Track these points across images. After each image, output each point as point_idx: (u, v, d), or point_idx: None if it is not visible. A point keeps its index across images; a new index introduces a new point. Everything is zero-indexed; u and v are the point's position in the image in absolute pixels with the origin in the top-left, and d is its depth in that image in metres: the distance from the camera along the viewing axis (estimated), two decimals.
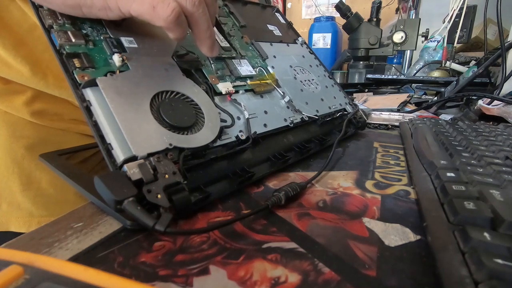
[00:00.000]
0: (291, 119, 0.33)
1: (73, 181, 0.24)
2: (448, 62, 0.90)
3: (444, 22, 0.91)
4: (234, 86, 0.30)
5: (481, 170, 0.24)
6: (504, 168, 0.24)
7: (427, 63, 1.05)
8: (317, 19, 1.51)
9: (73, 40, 0.22)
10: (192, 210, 0.21)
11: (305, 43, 0.47)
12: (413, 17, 1.17)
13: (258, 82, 0.33)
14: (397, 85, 0.91)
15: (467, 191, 0.20)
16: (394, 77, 0.93)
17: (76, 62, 0.21)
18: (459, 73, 0.86)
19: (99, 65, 0.22)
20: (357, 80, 1.05)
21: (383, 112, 0.58)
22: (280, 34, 0.44)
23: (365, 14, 1.03)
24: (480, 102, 0.56)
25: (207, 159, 0.24)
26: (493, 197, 0.19)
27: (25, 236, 0.19)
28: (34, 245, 0.18)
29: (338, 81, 0.89)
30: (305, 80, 0.40)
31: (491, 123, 0.49)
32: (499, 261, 0.13)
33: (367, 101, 0.71)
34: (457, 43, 0.93)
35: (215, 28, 0.27)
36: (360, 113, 0.45)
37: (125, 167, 0.18)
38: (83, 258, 0.17)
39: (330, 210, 0.22)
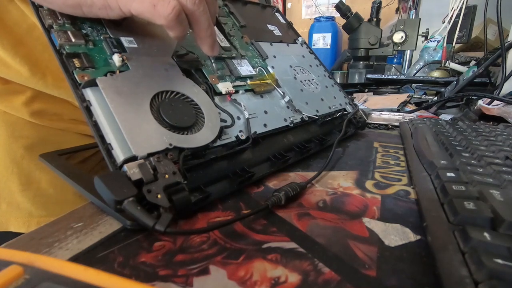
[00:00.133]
0: (291, 119, 0.33)
1: (73, 181, 0.24)
2: (447, 62, 0.90)
3: (444, 22, 0.91)
4: (234, 86, 0.30)
5: (481, 170, 0.24)
6: (504, 168, 0.24)
7: (427, 63, 1.05)
8: (317, 19, 1.51)
9: (73, 40, 0.22)
10: (192, 210, 0.21)
11: (305, 43, 0.47)
12: (413, 17, 1.17)
13: (258, 82, 0.33)
14: (397, 85, 0.91)
15: (467, 191, 0.20)
16: (394, 77, 0.93)
17: (76, 62, 0.21)
18: (459, 73, 0.86)
19: (99, 65, 0.22)
20: (357, 80, 1.05)
21: (383, 112, 0.58)
22: (280, 34, 0.44)
23: (365, 14, 1.03)
24: (480, 102, 0.56)
25: (207, 159, 0.24)
26: (493, 197, 0.19)
27: (25, 236, 0.19)
28: (34, 245, 0.18)
29: (338, 81, 0.89)
30: (305, 80, 0.40)
31: (491, 123, 0.49)
32: (499, 261, 0.13)
33: (367, 101, 0.71)
34: (457, 43, 0.93)
35: (215, 28, 0.27)
36: (360, 113, 0.45)
37: (125, 167, 0.18)
38: (83, 258, 0.17)
39: (330, 210, 0.22)
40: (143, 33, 0.26)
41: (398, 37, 0.97)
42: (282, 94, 0.34)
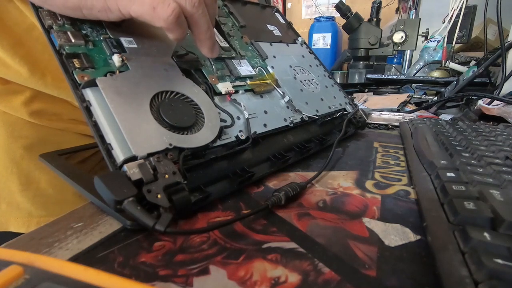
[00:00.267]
0: (291, 119, 0.33)
1: (73, 181, 0.24)
2: (447, 62, 0.90)
3: (444, 22, 0.91)
4: (233, 86, 0.30)
5: (481, 170, 0.24)
6: (504, 168, 0.24)
7: (427, 63, 1.05)
8: (317, 19, 1.51)
9: (73, 40, 0.22)
10: (192, 210, 0.21)
11: (305, 43, 0.47)
12: (413, 17, 1.17)
13: (258, 82, 0.33)
14: (397, 85, 0.91)
15: (467, 191, 0.20)
16: (394, 77, 0.93)
17: (76, 63, 0.21)
18: (459, 73, 0.86)
19: (99, 66, 0.22)
20: (357, 80, 1.05)
21: (383, 112, 0.58)
22: (280, 34, 0.44)
23: (365, 14, 1.03)
24: (480, 102, 0.56)
25: (207, 159, 0.24)
26: (493, 197, 0.19)
27: (25, 236, 0.19)
28: (34, 245, 0.18)
29: (338, 81, 0.89)
30: (305, 80, 0.40)
31: (491, 123, 0.49)
32: (499, 261, 0.13)
33: (367, 101, 0.71)
34: (457, 43, 0.93)
35: (214, 29, 0.27)
36: (360, 113, 0.45)
37: (125, 167, 0.18)
38: (83, 258, 0.17)
39: (330, 210, 0.22)
40: (143, 33, 0.26)
41: (398, 37, 0.97)
42: (282, 94, 0.34)
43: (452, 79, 0.79)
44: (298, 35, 0.48)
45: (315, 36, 1.47)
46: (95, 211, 0.22)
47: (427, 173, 0.25)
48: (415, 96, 0.78)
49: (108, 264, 0.16)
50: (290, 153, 0.31)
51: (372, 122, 0.52)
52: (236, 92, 0.30)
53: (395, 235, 0.19)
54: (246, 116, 0.28)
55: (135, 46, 0.25)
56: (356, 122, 0.43)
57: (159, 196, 0.18)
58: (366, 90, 0.88)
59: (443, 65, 0.94)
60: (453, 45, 0.90)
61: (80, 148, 0.37)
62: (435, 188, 0.22)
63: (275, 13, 0.48)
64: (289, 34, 0.47)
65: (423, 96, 0.80)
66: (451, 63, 0.90)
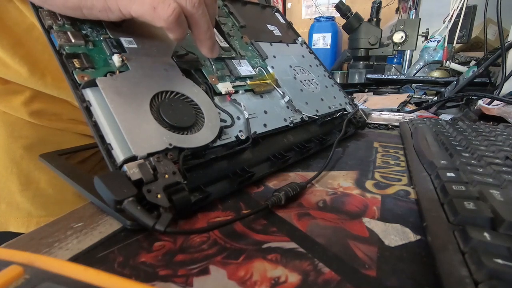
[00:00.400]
0: (291, 119, 0.33)
1: (73, 181, 0.24)
2: (448, 63, 0.90)
3: (444, 22, 0.91)
4: (233, 86, 0.30)
5: (481, 170, 0.24)
6: (504, 168, 0.24)
7: (427, 63, 1.05)
8: (317, 19, 1.51)
9: (73, 40, 0.22)
10: (192, 210, 0.21)
11: (305, 43, 0.47)
12: (413, 17, 1.17)
13: (258, 82, 0.33)
14: (397, 85, 0.91)
15: (467, 191, 0.20)
16: (394, 77, 0.93)
17: (76, 63, 0.21)
18: (459, 73, 0.86)
19: (99, 66, 0.22)
20: (357, 80, 1.05)
21: (383, 112, 0.58)
22: (280, 34, 0.44)
23: (365, 14, 1.03)
24: (480, 102, 0.56)
25: (207, 159, 0.24)
26: (493, 197, 0.19)
27: (25, 236, 0.19)
28: (34, 245, 0.18)
29: (338, 81, 0.89)
30: (305, 80, 0.40)
31: (491, 123, 0.49)
32: (499, 261, 0.13)
33: (367, 101, 0.71)
34: (457, 43, 0.93)
35: (214, 29, 0.27)
36: (360, 113, 0.45)
37: (125, 167, 0.18)
38: (83, 258, 0.17)
39: (330, 210, 0.22)
40: (143, 33, 0.26)
41: (398, 37, 0.97)
42: (282, 94, 0.34)
43: (452, 79, 0.79)
44: (298, 35, 0.48)
45: (315, 36, 1.47)
46: (95, 211, 0.22)
47: (427, 173, 0.25)
48: (415, 96, 0.78)
49: (108, 264, 0.16)
50: (290, 153, 0.31)
51: (372, 122, 0.52)
52: (236, 92, 0.30)
53: (395, 235, 0.19)
54: (246, 116, 0.28)
55: (135, 46, 0.25)
56: (356, 122, 0.43)
57: (159, 196, 0.18)
58: (366, 90, 0.88)
59: (443, 65, 0.94)
60: (454, 45, 0.90)
61: (80, 148, 0.37)
62: (435, 188, 0.22)
63: (275, 13, 0.48)
64: (289, 34, 0.47)
65: (423, 96, 0.80)
66: (452, 63, 0.90)
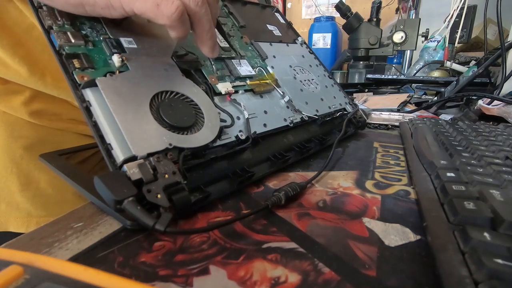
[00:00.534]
0: (291, 119, 0.33)
1: (73, 181, 0.24)
2: (450, 63, 0.90)
3: (446, 22, 0.91)
4: (233, 86, 0.30)
5: (481, 170, 0.24)
6: (504, 168, 0.24)
7: (427, 63, 1.05)
8: (317, 19, 1.51)
9: (73, 40, 0.22)
10: (192, 210, 0.21)
11: (304, 43, 0.47)
12: (413, 17, 1.17)
13: (258, 82, 0.33)
14: (397, 85, 0.91)
15: (467, 191, 0.20)
16: (394, 77, 0.93)
17: (76, 63, 0.21)
18: (459, 73, 0.86)
19: (99, 66, 0.22)
20: (357, 80, 1.05)
21: (383, 112, 0.58)
22: (280, 34, 0.44)
23: (365, 14, 1.03)
24: (480, 102, 0.56)
25: (207, 159, 0.24)
26: (493, 197, 0.19)
27: (25, 236, 0.19)
28: (34, 245, 0.18)
29: (338, 81, 0.89)
30: (305, 80, 0.40)
31: (491, 123, 0.49)
32: (499, 261, 0.13)
33: (367, 101, 0.71)
34: (458, 43, 0.93)
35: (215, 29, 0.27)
36: (360, 112, 0.45)
37: (125, 167, 0.18)
38: (83, 258, 0.17)
39: (330, 210, 0.22)
40: (143, 33, 0.26)
41: (398, 37, 0.97)
42: (282, 94, 0.34)
43: (452, 79, 0.79)
44: (298, 35, 0.48)
45: (315, 36, 1.47)
46: (95, 211, 0.22)
47: (427, 173, 0.25)
48: (415, 96, 0.78)
49: (108, 264, 0.16)
50: (290, 153, 0.31)
51: (372, 122, 0.52)
52: (236, 92, 0.30)
53: (395, 235, 0.19)
54: (246, 116, 0.28)
55: (135, 46, 0.25)
56: (356, 122, 0.43)
57: (159, 196, 0.18)
58: (366, 90, 0.88)
59: (444, 65, 0.94)
60: (455, 45, 0.90)
61: (80, 148, 0.37)
62: (435, 188, 0.22)
63: (275, 13, 0.48)
64: (289, 34, 0.47)
65: (423, 96, 0.80)
66: (453, 63, 0.89)
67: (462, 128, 0.39)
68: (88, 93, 0.21)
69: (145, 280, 0.15)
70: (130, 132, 0.20)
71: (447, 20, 0.90)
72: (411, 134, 0.39)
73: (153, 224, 0.16)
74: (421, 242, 0.18)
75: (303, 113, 0.35)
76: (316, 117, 0.36)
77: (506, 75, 0.58)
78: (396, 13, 1.31)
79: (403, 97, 0.68)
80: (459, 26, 0.87)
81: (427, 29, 1.07)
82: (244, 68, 0.33)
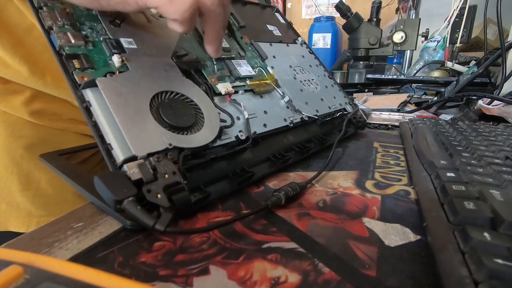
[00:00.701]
0: (291, 119, 0.33)
1: (73, 181, 0.24)
2: (450, 63, 0.90)
3: (446, 21, 0.91)
4: (233, 87, 0.30)
5: (481, 170, 0.24)
6: (504, 168, 0.24)
7: (427, 63, 1.05)
8: (317, 19, 1.51)
9: (73, 41, 0.22)
10: (192, 210, 0.21)
11: (304, 43, 0.47)
12: (413, 17, 1.17)
13: (258, 82, 0.33)
14: (397, 85, 0.91)
15: (467, 191, 0.20)
16: (394, 77, 0.93)
17: (76, 63, 0.21)
18: (459, 73, 0.86)
19: (99, 66, 0.22)
20: (357, 80, 1.05)
21: (383, 112, 0.58)
22: (280, 34, 0.44)
23: (365, 14, 1.03)
24: (480, 102, 0.56)
25: (207, 159, 0.24)
26: (493, 197, 0.19)
27: (25, 236, 0.19)
28: (34, 245, 0.18)
29: (338, 81, 0.89)
30: (305, 80, 0.40)
31: (491, 123, 0.49)
32: (499, 261, 0.13)
33: (367, 101, 0.71)
34: (459, 42, 0.93)
35: None
36: (360, 113, 0.45)
37: (125, 167, 0.18)
38: (83, 258, 0.17)
39: (330, 210, 0.22)
40: (143, 34, 0.26)
41: (398, 37, 0.97)
42: (282, 94, 0.34)
43: (452, 79, 0.79)
44: (298, 35, 0.48)
45: (315, 36, 1.47)
46: (95, 211, 0.22)
47: (427, 173, 0.25)
48: (415, 96, 0.78)
49: (108, 264, 0.16)
50: (290, 153, 0.31)
51: (372, 122, 0.52)
52: (236, 92, 0.30)
53: (395, 235, 0.19)
54: (246, 116, 0.28)
55: (135, 46, 0.25)
56: (356, 122, 0.43)
57: (159, 196, 0.18)
58: (366, 90, 0.88)
59: (445, 65, 0.93)
60: (457, 44, 0.90)
61: (80, 148, 0.37)
62: (435, 188, 0.22)
63: (275, 13, 0.48)
64: (289, 34, 0.47)
65: (423, 96, 0.80)
66: (455, 64, 0.89)
67: (462, 128, 0.39)
68: (88, 93, 0.21)
69: (145, 280, 0.15)
70: (130, 132, 0.20)
71: (447, 20, 0.89)
72: (411, 134, 0.39)
73: (153, 224, 0.16)
74: (421, 242, 0.18)
75: (303, 113, 0.35)
76: (316, 117, 0.36)
77: (506, 75, 0.58)
78: (396, 13, 1.31)
79: (403, 97, 0.68)
80: (460, 26, 0.87)
81: (427, 29, 1.07)
82: (244, 68, 0.33)
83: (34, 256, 0.12)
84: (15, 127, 0.36)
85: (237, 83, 0.31)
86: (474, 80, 0.64)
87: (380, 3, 1.01)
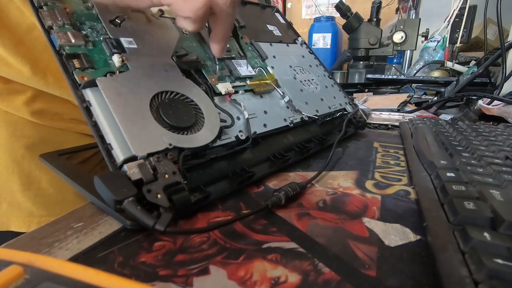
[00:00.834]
0: (291, 119, 0.33)
1: (73, 181, 0.24)
2: (450, 63, 0.90)
3: (446, 21, 0.91)
4: (233, 87, 0.30)
5: (481, 170, 0.24)
6: (504, 168, 0.24)
7: (427, 63, 1.05)
8: (317, 19, 1.51)
9: (73, 41, 0.22)
10: (192, 210, 0.21)
11: (304, 43, 0.47)
12: (413, 17, 1.17)
13: (258, 82, 0.33)
14: (397, 85, 0.91)
15: (467, 191, 0.20)
16: (394, 77, 0.93)
17: (76, 63, 0.21)
18: (459, 73, 0.86)
19: (99, 66, 0.22)
20: (357, 80, 1.05)
21: (383, 112, 0.58)
22: (280, 34, 0.44)
23: (365, 14, 1.03)
24: (480, 102, 0.56)
25: (207, 159, 0.24)
26: (493, 197, 0.19)
27: (25, 236, 0.19)
28: (34, 245, 0.18)
29: (338, 81, 0.89)
30: (305, 80, 0.40)
31: (491, 123, 0.49)
32: (499, 261, 0.13)
33: (367, 101, 0.71)
34: (459, 43, 0.93)
35: None
36: (360, 113, 0.45)
37: (125, 167, 0.18)
38: (83, 258, 0.17)
39: (330, 210, 0.22)
40: (143, 33, 0.26)
41: (398, 37, 0.97)
42: (282, 94, 0.34)
43: (452, 79, 0.79)
44: (298, 35, 0.48)
45: (315, 36, 1.47)
46: (95, 211, 0.22)
47: (427, 173, 0.25)
48: (415, 96, 0.78)
49: (108, 264, 0.16)
50: (290, 153, 0.31)
51: (372, 122, 0.52)
52: (236, 92, 0.30)
53: (395, 235, 0.19)
54: (246, 116, 0.28)
55: (135, 46, 0.25)
56: (356, 122, 0.43)
57: (159, 196, 0.18)
58: (366, 90, 0.88)
59: (445, 65, 0.93)
60: (457, 44, 0.90)
61: (80, 148, 0.37)
62: (435, 188, 0.22)
63: (275, 13, 0.48)
64: (289, 34, 0.47)
65: (423, 96, 0.80)
66: (455, 64, 0.89)
67: (462, 128, 0.39)
68: (88, 93, 0.21)
69: (145, 280, 0.15)
70: (130, 132, 0.20)
71: (447, 20, 0.89)
72: (411, 134, 0.39)
73: (153, 224, 0.16)
74: (421, 242, 0.18)
75: (303, 113, 0.35)
76: (316, 117, 0.36)
77: (506, 75, 0.58)
78: (396, 13, 1.31)
79: (403, 97, 0.68)
80: (460, 26, 0.86)
81: (427, 29, 1.07)
82: (244, 68, 0.33)
83: (34, 256, 0.12)
84: (16, 127, 0.36)
85: (237, 83, 0.31)
86: (474, 80, 0.64)
87: (380, 3, 1.01)
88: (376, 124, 0.51)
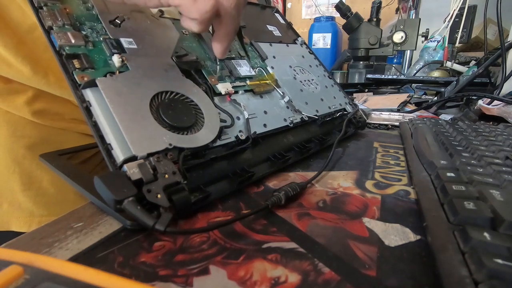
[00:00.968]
0: (291, 119, 0.33)
1: (73, 181, 0.24)
2: (449, 63, 0.90)
3: (445, 22, 0.91)
4: (233, 87, 0.30)
5: (481, 170, 0.24)
6: (504, 168, 0.24)
7: (427, 63, 1.05)
8: (317, 19, 1.51)
9: (73, 41, 0.22)
10: (192, 210, 0.21)
11: (304, 43, 0.47)
12: (413, 17, 1.17)
13: (258, 82, 0.33)
14: (397, 85, 0.91)
15: (467, 191, 0.20)
16: (394, 77, 0.93)
17: (76, 63, 0.21)
18: (459, 73, 0.86)
19: (99, 66, 0.22)
20: (357, 80, 1.05)
21: (383, 112, 0.58)
22: (280, 35, 0.44)
23: (365, 14, 1.03)
24: (480, 102, 0.56)
25: (207, 159, 0.24)
26: (493, 197, 0.19)
27: (26, 236, 0.19)
28: (34, 245, 0.18)
29: (338, 81, 0.89)
30: (305, 80, 0.40)
31: (491, 123, 0.49)
32: (499, 261, 0.13)
33: (367, 101, 0.71)
34: (458, 42, 0.93)
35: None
36: (360, 113, 0.45)
37: (125, 167, 0.18)
38: (83, 258, 0.17)
39: (330, 210, 0.22)
40: (143, 34, 0.26)
41: (398, 37, 0.97)
42: (282, 94, 0.34)
43: (452, 79, 0.79)
44: (298, 36, 0.48)
45: (315, 36, 1.47)
46: (95, 211, 0.22)
47: (427, 173, 0.25)
48: (415, 96, 0.78)
49: (108, 264, 0.16)
50: (290, 153, 0.31)
51: (372, 122, 0.52)
52: (236, 92, 0.30)
53: (395, 235, 0.19)
54: (246, 116, 0.28)
55: (135, 46, 0.25)
56: (356, 122, 0.43)
57: (159, 196, 0.18)
58: (366, 90, 0.88)
59: (444, 65, 0.93)
60: (456, 44, 0.90)
61: (81, 148, 0.37)
62: (435, 188, 0.22)
63: (275, 14, 0.48)
64: (289, 34, 0.47)
65: (423, 96, 0.80)
66: (454, 64, 0.89)
67: (462, 128, 0.39)
68: (88, 93, 0.21)
69: (145, 280, 0.15)
70: (130, 132, 0.20)
71: (447, 20, 0.89)
72: (411, 134, 0.39)
73: (153, 224, 0.16)
74: (421, 242, 0.18)
75: (303, 113, 0.35)
76: (316, 117, 0.36)
77: (506, 75, 0.58)
78: (396, 13, 1.31)
79: (403, 97, 0.68)
80: (460, 26, 0.87)
81: (427, 29, 1.07)
82: (244, 69, 0.33)
83: (34, 256, 0.12)
84: (17, 126, 0.36)
85: (237, 83, 0.31)
86: (474, 80, 0.64)
87: (380, 3, 1.01)
88: (376, 124, 0.51)
